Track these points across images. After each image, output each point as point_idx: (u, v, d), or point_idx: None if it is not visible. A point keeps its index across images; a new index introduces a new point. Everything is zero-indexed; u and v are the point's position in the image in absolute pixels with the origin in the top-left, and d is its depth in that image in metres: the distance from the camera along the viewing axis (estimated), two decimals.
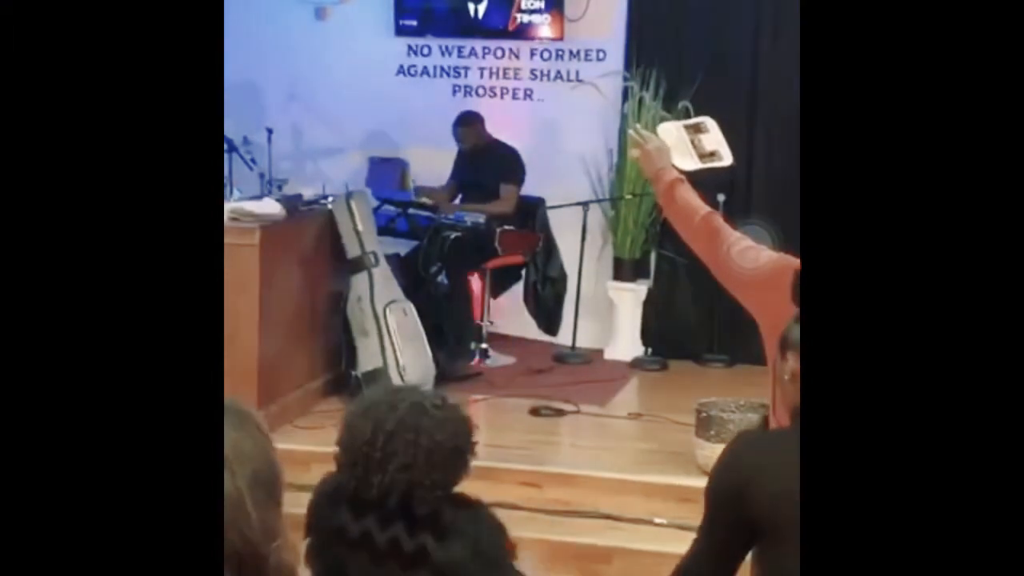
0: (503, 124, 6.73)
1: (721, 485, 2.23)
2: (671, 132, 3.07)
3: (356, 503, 2.35)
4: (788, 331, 2.20)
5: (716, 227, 2.80)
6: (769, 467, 2.15)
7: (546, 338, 6.80)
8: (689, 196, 2.87)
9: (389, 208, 6.43)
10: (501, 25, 6.96)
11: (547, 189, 6.71)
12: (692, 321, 6.58)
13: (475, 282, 6.52)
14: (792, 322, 2.19)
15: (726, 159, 3.07)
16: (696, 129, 3.07)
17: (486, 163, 6.56)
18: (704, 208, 2.84)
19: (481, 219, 6.31)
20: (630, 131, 3.25)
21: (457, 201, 6.72)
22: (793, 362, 2.19)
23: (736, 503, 2.17)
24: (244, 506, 1.45)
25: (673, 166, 2.94)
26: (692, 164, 3.00)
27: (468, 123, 6.57)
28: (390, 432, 2.32)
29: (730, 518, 2.19)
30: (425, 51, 7.16)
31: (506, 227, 6.41)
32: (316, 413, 5.29)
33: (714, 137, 3.08)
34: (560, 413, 5.55)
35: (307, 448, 4.35)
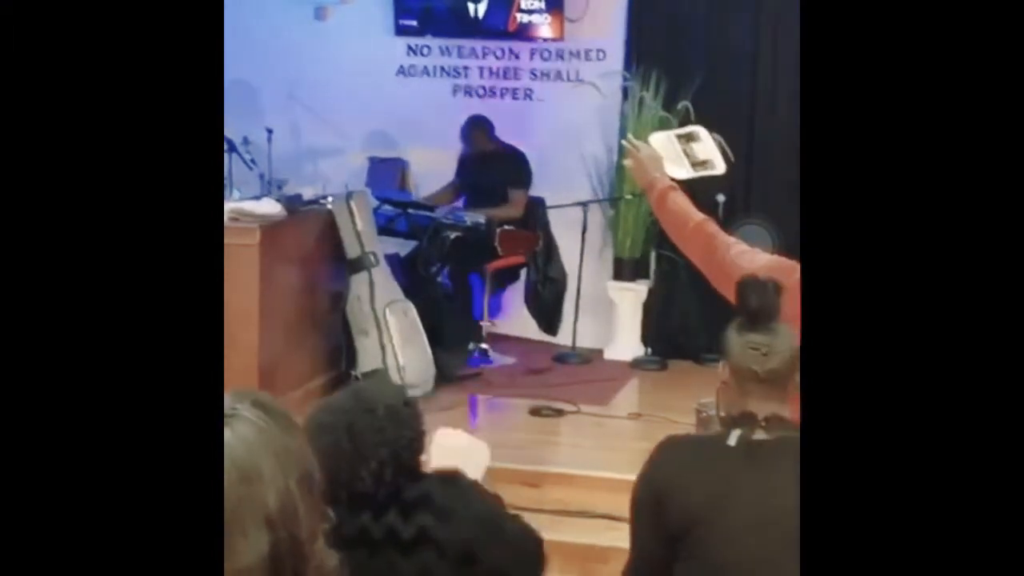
0: (503, 124, 6.73)
1: (639, 496, 2.20)
2: (662, 141, 3.07)
3: (349, 502, 2.39)
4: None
5: (711, 232, 2.80)
6: (685, 478, 2.12)
7: (546, 338, 6.80)
8: (682, 202, 2.86)
9: (389, 208, 6.43)
10: (501, 25, 6.96)
11: (547, 189, 6.71)
12: (692, 321, 6.58)
13: (475, 282, 6.52)
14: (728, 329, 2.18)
15: (719, 167, 3.08)
16: (688, 138, 3.08)
17: (493, 167, 6.55)
18: (698, 214, 2.83)
19: (481, 219, 6.31)
20: (623, 141, 3.26)
21: (461, 204, 6.72)
22: (722, 370, 2.18)
23: (654, 515, 2.14)
24: (296, 505, 1.45)
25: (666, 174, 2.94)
26: (684, 173, 3.01)
27: (479, 128, 6.56)
28: (353, 427, 2.40)
29: (650, 531, 2.16)
30: (425, 51, 7.16)
31: (506, 227, 6.41)
32: None
33: (706, 146, 3.08)
34: (560, 413, 5.55)
35: None
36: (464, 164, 6.73)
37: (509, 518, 2.48)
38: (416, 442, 2.49)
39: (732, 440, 2.07)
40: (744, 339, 2.10)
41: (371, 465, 2.40)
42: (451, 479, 2.48)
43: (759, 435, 2.06)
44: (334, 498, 2.38)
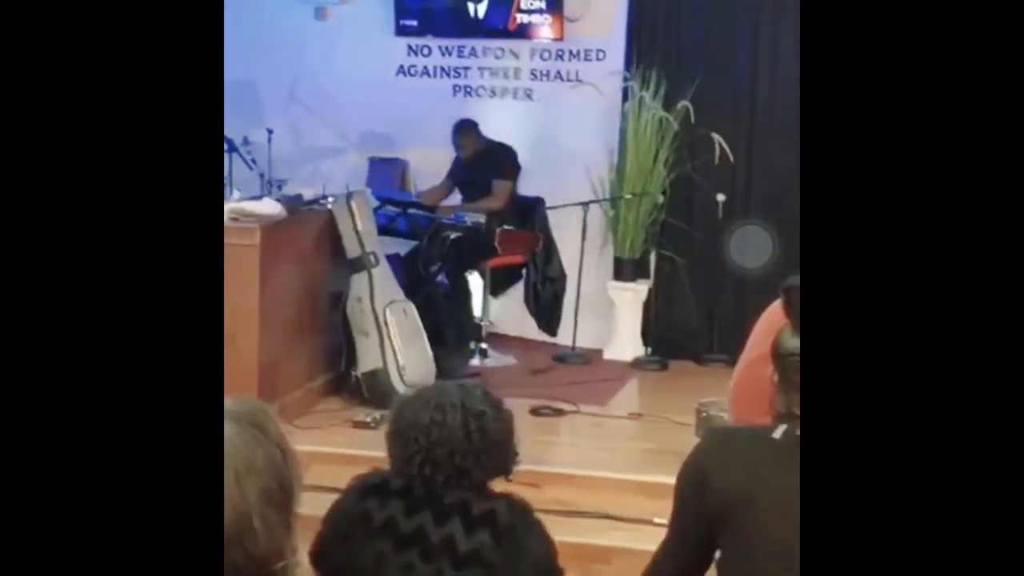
0: (503, 124, 6.73)
1: (684, 478, 2.26)
2: None
3: (408, 499, 2.36)
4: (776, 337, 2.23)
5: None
6: (728, 463, 2.18)
7: (546, 338, 6.80)
8: None
9: (389, 208, 6.43)
10: (501, 25, 6.96)
11: (547, 189, 6.71)
12: (692, 321, 6.58)
13: (475, 282, 6.52)
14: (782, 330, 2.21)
15: None
16: None
17: (482, 164, 6.59)
18: None
19: (481, 219, 6.31)
20: None
21: (455, 201, 6.72)
22: (772, 372, 2.23)
23: (696, 497, 2.20)
24: (250, 521, 1.42)
25: None
26: None
27: (466, 131, 6.60)
28: (441, 405, 2.38)
29: (692, 512, 2.22)
30: (425, 51, 7.16)
31: (506, 227, 6.41)
32: (316, 413, 5.29)
33: None
34: (560, 413, 5.55)
35: (307, 448, 4.35)
36: (456, 163, 6.76)
37: (560, 573, 2.46)
38: (510, 461, 2.46)
39: (777, 433, 2.14)
40: (787, 347, 2.15)
41: (481, 460, 2.37)
42: (520, 507, 2.43)
43: None
44: (397, 492, 2.37)
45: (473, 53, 7.09)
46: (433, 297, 6.21)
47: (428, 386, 2.51)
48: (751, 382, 2.59)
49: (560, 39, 6.87)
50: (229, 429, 1.46)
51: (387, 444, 2.44)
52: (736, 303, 6.37)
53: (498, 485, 2.50)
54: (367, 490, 2.41)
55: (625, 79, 6.59)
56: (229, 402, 1.50)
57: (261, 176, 6.71)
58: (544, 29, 6.90)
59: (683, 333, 6.60)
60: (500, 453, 2.43)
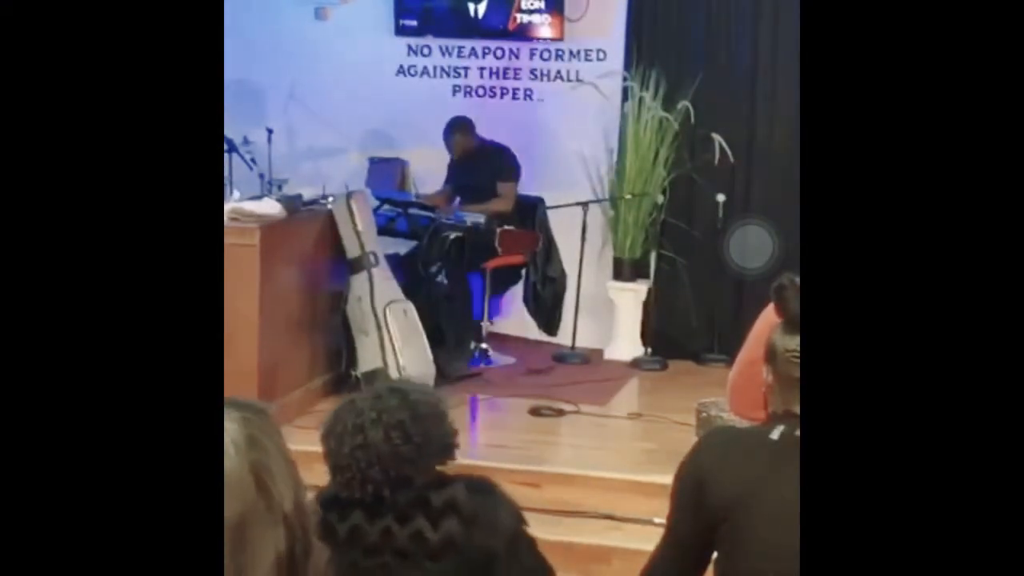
0: (503, 124, 6.73)
1: (681, 480, 2.26)
2: None
3: (366, 506, 2.36)
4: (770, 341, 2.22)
5: None
6: (726, 464, 2.18)
7: (546, 338, 6.80)
8: None
9: (389, 208, 6.43)
10: (501, 25, 6.96)
11: (547, 189, 6.71)
12: (692, 321, 6.59)
13: (475, 282, 6.52)
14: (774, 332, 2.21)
15: None
16: None
17: (479, 164, 6.57)
18: None
19: (481, 219, 6.31)
20: None
21: (456, 204, 6.72)
22: (767, 374, 2.23)
23: (693, 498, 2.20)
24: (304, 500, 1.45)
25: None
26: None
27: (460, 130, 6.58)
28: (359, 426, 2.38)
29: (689, 513, 2.22)
30: (425, 51, 7.16)
31: (506, 227, 6.41)
32: (316, 413, 5.27)
33: None
34: (560, 413, 5.55)
35: (307, 448, 4.32)
36: (453, 167, 6.75)
37: (530, 543, 2.46)
38: (449, 445, 2.46)
39: (775, 434, 2.13)
40: (784, 345, 2.15)
41: (418, 464, 2.37)
42: (478, 486, 2.43)
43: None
44: (356, 502, 2.37)
45: (473, 53, 7.09)
46: (433, 297, 6.21)
47: (344, 405, 2.50)
48: (748, 379, 2.60)
49: (560, 39, 6.87)
50: (265, 428, 1.47)
51: (362, 472, 2.42)
52: (736, 303, 6.37)
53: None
54: (325, 504, 2.42)
55: (625, 79, 6.59)
56: (236, 400, 1.50)
57: (261, 176, 6.71)
58: (544, 29, 6.90)
59: (683, 333, 6.61)
60: (434, 445, 2.43)
